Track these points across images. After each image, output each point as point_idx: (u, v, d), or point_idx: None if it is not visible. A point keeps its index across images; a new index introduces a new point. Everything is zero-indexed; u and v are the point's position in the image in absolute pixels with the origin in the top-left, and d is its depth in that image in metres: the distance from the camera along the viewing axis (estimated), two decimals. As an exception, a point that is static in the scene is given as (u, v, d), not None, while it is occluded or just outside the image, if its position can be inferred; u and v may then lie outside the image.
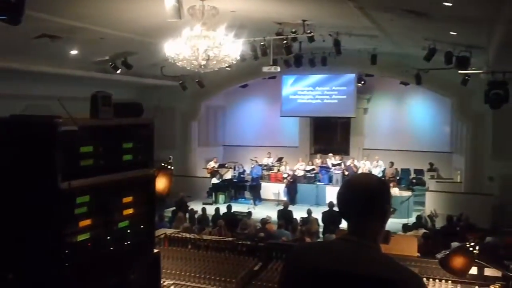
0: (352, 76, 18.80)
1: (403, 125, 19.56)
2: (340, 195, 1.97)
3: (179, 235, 3.58)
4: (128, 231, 2.16)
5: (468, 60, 11.44)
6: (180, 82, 16.67)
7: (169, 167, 2.89)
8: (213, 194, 18.06)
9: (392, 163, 18.28)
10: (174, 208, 14.29)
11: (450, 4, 7.95)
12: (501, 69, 11.14)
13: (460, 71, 12.35)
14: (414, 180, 18.47)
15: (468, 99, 15.40)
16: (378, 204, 1.92)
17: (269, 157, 20.01)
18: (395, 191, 16.22)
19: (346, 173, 17.51)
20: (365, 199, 1.91)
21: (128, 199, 2.16)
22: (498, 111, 12.51)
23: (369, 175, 2.62)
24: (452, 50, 11.49)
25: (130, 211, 2.17)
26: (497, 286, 2.93)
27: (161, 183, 2.77)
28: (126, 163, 2.14)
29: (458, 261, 2.73)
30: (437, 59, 12.03)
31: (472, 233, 10.58)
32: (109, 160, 2.04)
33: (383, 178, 17.26)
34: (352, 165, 18.18)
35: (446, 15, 8.91)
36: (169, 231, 3.69)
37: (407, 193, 16.26)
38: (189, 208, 14.42)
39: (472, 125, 15.92)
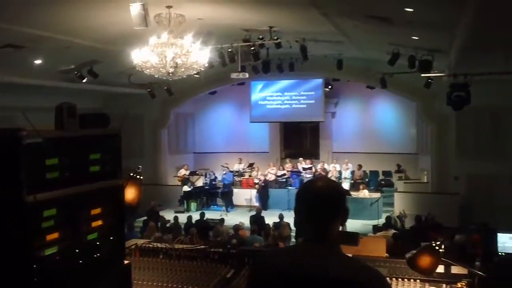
0: (319, 81, 19.04)
1: (371, 128, 19.85)
2: (302, 201, 2.00)
3: (150, 245, 3.54)
4: (97, 243, 2.14)
5: (431, 64, 11.73)
6: (148, 90, 16.51)
7: (138, 177, 2.86)
8: (185, 202, 17.89)
9: (360, 166, 18.58)
10: (145, 217, 14.10)
11: (412, 10, 8.16)
12: (462, 72, 11.43)
13: (423, 75, 12.64)
14: (382, 182, 18.75)
15: (432, 102, 15.76)
16: (341, 206, 1.98)
17: (240, 163, 19.98)
18: (364, 193, 16.46)
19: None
20: (331, 202, 1.96)
21: (96, 211, 2.14)
22: (461, 112, 12.85)
23: (325, 179, 2.65)
24: (415, 54, 11.76)
25: (99, 222, 2.15)
26: (464, 283, 3.01)
27: (130, 193, 2.74)
28: (94, 174, 2.12)
29: (425, 260, 2.79)
30: (401, 63, 12.30)
31: (439, 231, 10.84)
32: (75, 172, 2.01)
33: (352, 181, 17.66)
34: (321, 168, 18.33)
35: (408, 20, 9.12)
36: (140, 242, 3.64)
37: (376, 195, 16.50)
38: (161, 217, 14.26)
39: (437, 127, 16.32)
